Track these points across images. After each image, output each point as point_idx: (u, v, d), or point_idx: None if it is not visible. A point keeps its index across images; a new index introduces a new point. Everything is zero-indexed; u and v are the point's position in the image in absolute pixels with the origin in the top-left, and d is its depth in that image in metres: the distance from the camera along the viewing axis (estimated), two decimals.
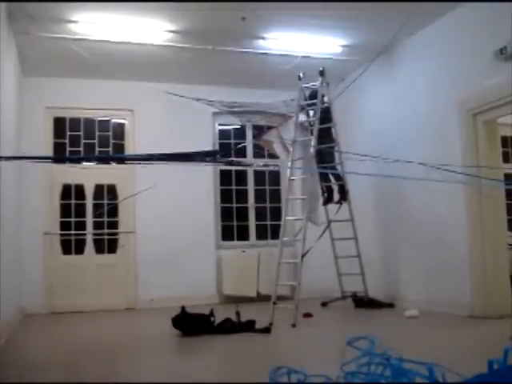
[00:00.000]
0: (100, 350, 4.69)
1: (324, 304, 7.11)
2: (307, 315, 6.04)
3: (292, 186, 6.72)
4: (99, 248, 7.85)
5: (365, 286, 6.93)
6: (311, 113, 6.89)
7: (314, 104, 6.79)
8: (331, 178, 7.21)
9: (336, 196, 7.19)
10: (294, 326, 5.48)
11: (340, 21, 6.18)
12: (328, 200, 7.22)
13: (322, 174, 7.10)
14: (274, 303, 5.80)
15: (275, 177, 8.84)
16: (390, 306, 6.73)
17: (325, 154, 6.86)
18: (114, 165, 7.72)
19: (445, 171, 4.80)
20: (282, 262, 6.21)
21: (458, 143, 5.88)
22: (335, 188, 7.22)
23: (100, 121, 8.09)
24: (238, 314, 5.38)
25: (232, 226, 8.57)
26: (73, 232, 7.75)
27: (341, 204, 7.06)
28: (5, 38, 5.42)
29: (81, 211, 7.81)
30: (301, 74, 6.83)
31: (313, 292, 7.38)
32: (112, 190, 7.95)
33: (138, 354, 4.51)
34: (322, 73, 6.75)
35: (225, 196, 8.53)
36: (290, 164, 6.76)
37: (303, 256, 6.01)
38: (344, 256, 7.17)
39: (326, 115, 6.83)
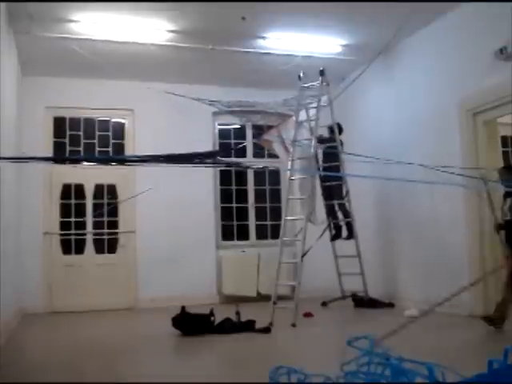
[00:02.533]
0: (100, 349, 4.70)
1: (324, 304, 7.11)
2: (308, 315, 6.05)
3: (292, 186, 6.73)
4: (99, 248, 7.85)
5: (365, 286, 6.93)
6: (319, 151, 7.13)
7: (331, 140, 7.07)
8: (339, 214, 7.28)
9: (344, 232, 7.24)
10: (294, 325, 5.49)
11: (340, 20, 6.18)
12: (336, 236, 7.28)
13: (329, 210, 7.26)
14: (275, 303, 5.81)
15: (275, 177, 8.84)
16: (390, 305, 6.74)
17: (333, 188, 7.15)
18: (114, 165, 7.72)
19: (445, 172, 4.79)
20: (282, 262, 6.22)
21: (457, 143, 5.88)
22: (343, 224, 7.28)
23: (100, 120, 8.09)
24: (238, 313, 5.39)
25: (232, 226, 8.57)
26: (73, 232, 7.75)
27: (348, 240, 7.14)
28: (5, 37, 5.42)
29: (81, 211, 7.81)
30: (301, 74, 6.84)
31: (313, 291, 7.37)
32: (112, 190, 7.95)
33: (138, 353, 4.51)
34: (322, 72, 6.76)
35: (225, 196, 8.54)
36: (289, 164, 6.78)
37: (303, 256, 6.01)
38: (344, 256, 7.18)
39: (334, 150, 6.97)
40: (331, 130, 7.10)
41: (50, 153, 7.64)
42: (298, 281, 5.92)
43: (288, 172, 6.80)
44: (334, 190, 7.18)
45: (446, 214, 6.06)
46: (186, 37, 6.41)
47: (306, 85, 6.89)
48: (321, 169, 7.19)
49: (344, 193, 7.08)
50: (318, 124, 6.69)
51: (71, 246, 7.75)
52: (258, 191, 8.70)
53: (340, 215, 7.26)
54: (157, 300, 7.54)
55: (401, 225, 6.93)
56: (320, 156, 7.23)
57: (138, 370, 3.91)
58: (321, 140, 7.03)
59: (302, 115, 7.07)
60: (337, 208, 7.24)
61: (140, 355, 4.41)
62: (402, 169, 5.76)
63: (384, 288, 7.13)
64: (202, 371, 3.79)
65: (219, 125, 8.60)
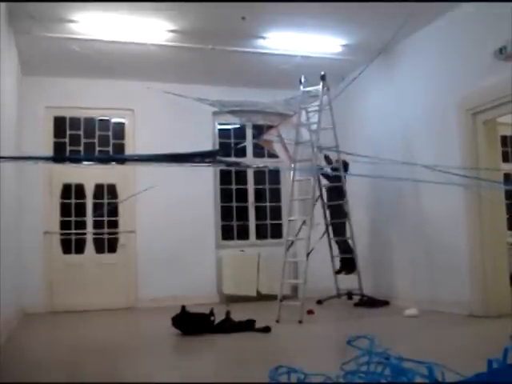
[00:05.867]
0: (100, 349, 4.70)
1: (319, 302, 7.14)
2: (310, 312, 6.10)
3: (294, 187, 6.78)
4: (99, 247, 7.85)
5: (360, 285, 6.93)
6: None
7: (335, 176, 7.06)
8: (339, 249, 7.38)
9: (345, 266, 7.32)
10: (300, 322, 5.59)
11: (340, 20, 6.18)
12: (339, 271, 7.35)
13: (339, 244, 7.33)
14: (281, 300, 5.91)
15: (275, 176, 8.84)
16: (385, 303, 6.77)
17: (337, 225, 7.23)
18: (114, 164, 7.73)
19: (445, 172, 4.79)
20: (287, 260, 6.31)
21: (457, 142, 5.88)
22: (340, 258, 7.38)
23: (100, 120, 8.09)
24: (228, 313, 5.41)
25: (232, 226, 8.58)
26: (73, 231, 7.75)
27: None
28: (5, 37, 5.42)
29: (81, 210, 7.82)
30: (302, 78, 6.86)
31: (308, 290, 7.31)
32: (112, 190, 7.95)
33: (137, 353, 4.52)
34: (323, 77, 6.77)
35: (225, 195, 8.54)
36: (292, 166, 6.83)
37: (308, 254, 6.05)
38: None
39: (339, 188, 7.05)
40: (335, 169, 7.11)
41: (50, 152, 7.63)
42: (304, 279, 6.02)
43: (289, 172, 6.83)
44: (337, 225, 7.26)
45: (447, 212, 6.06)
46: (186, 37, 6.41)
47: (307, 89, 6.91)
48: (326, 209, 7.39)
49: (347, 230, 7.14)
50: (320, 127, 6.69)
51: (71, 245, 7.75)
52: (257, 190, 8.71)
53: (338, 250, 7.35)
54: (157, 300, 7.55)
55: (400, 224, 6.93)
56: (324, 192, 7.39)
57: (137, 369, 3.91)
58: (328, 161, 7.21)
59: (302, 117, 7.09)
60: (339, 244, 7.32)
61: (140, 355, 4.42)
62: (401, 168, 5.75)
63: (384, 287, 7.13)
64: (201, 371, 3.80)
65: (219, 125, 8.61)
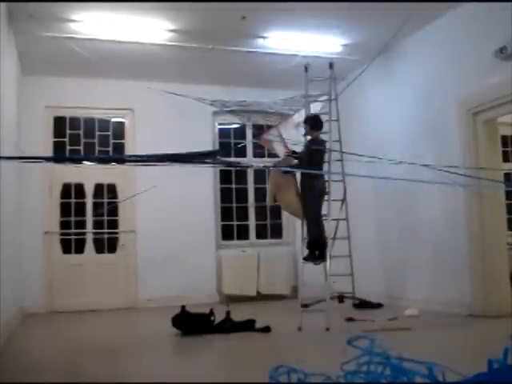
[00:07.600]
0: (100, 349, 4.69)
1: (305, 306, 6.17)
2: (350, 319, 5.76)
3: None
4: (99, 247, 7.85)
5: (353, 287, 6.66)
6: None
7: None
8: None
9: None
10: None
11: (340, 20, 6.18)
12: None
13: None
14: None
15: None
16: (379, 306, 6.70)
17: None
18: (114, 164, 7.73)
19: (445, 172, 4.79)
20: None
21: (457, 142, 5.88)
22: None
23: (100, 120, 8.09)
24: (228, 313, 5.41)
25: (232, 226, 8.57)
26: (73, 231, 7.75)
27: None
28: (5, 37, 5.42)
29: (81, 210, 7.81)
30: (307, 65, 6.54)
31: (308, 291, 7.09)
32: (112, 190, 7.96)
33: (137, 353, 4.51)
34: (331, 65, 6.60)
35: (225, 195, 8.54)
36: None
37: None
38: (336, 255, 7.09)
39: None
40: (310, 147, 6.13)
41: (49, 152, 7.64)
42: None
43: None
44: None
45: (447, 212, 6.06)
46: (186, 37, 6.42)
47: (316, 78, 6.71)
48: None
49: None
50: (331, 118, 6.48)
51: (71, 245, 7.76)
52: (257, 190, 8.70)
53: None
54: (157, 299, 7.55)
55: (401, 224, 6.93)
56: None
57: (137, 369, 3.90)
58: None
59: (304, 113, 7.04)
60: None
61: (140, 355, 4.41)
62: (401, 168, 5.75)
63: (384, 287, 7.13)
64: (201, 371, 3.79)
65: (219, 124, 8.61)
